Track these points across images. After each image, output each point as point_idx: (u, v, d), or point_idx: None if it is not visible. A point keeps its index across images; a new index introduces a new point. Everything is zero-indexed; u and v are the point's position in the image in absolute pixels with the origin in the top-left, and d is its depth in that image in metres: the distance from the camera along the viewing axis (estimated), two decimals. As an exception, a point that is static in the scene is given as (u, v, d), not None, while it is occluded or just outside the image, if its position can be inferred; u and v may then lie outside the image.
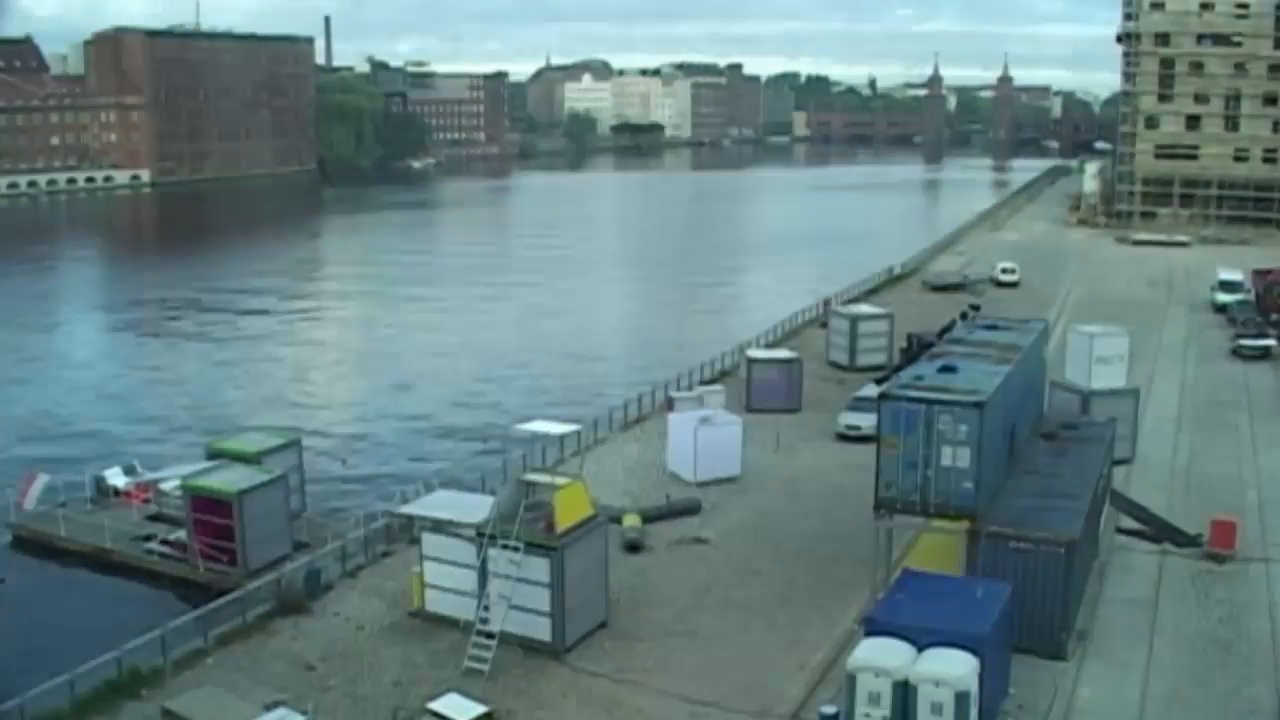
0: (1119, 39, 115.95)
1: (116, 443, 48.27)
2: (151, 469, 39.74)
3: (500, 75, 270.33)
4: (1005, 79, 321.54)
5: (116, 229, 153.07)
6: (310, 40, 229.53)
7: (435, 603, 28.97)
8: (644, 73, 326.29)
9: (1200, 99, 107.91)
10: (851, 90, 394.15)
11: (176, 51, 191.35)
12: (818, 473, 40.11)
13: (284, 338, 75.12)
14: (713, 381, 50.85)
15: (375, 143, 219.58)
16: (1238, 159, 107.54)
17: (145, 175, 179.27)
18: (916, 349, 47.62)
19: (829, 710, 23.24)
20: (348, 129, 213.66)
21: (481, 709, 24.66)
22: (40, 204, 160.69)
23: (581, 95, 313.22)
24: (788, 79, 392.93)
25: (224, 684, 26.14)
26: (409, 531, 33.54)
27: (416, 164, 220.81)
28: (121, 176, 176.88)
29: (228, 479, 34.07)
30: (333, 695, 25.59)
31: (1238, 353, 57.98)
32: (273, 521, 33.89)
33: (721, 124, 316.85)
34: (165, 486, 37.48)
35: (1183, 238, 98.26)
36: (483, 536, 27.67)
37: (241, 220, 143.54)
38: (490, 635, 26.62)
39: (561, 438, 37.49)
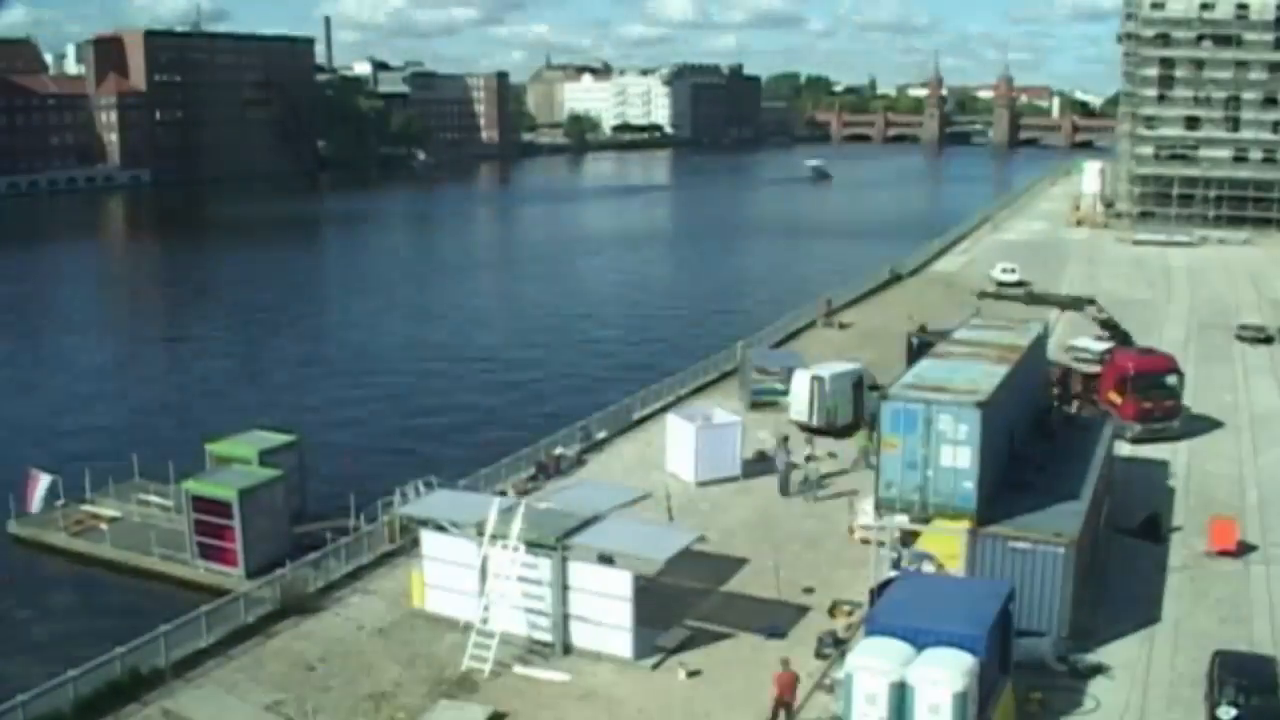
0: (1119, 39, 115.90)
1: (116, 442, 48.23)
2: (153, 468, 39.79)
3: (501, 75, 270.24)
4: (1005, 79, 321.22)
5: (116, 229, 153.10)
6: (310, 40, 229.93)
7: (436, 602, 29.00)
8: (644, 73, 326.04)
9: (1200, 99, 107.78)
10: (851, 90, 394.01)
11: (176, 51, 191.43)
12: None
13: (285, 334, 75.16)
14: (713, 382, 50.97)
15: (376, 142, 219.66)
16: (1238, 159, 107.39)
17: (145, 175, 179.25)
18: (917, 349, 47.74)
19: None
20: (348, 128, 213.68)
21: (483, 709, 24.69)
22: (40, 204, 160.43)
23: (582, 95, 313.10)
24: (788, 79, 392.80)
25: (224, 684, 26.18)
26: (410, 531, 33.60)
27: (417, 164, 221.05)
28: (122, 176, 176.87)
29: (227, 479, 34.11)
30: (333, 695, 25.60)
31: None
32: (273, 522, 33.92)
33: (721, 124, 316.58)
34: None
35: (1183, 238, 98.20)
36: (483, 536, 27.72)
37: (241, 219, 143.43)
38: (491, 635, 26.65)
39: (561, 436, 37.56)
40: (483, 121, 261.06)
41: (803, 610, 29.36)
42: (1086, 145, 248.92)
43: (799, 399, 44.80)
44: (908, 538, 28.38)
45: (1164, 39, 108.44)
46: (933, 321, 56.56)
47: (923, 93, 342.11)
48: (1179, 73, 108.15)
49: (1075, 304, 58.19)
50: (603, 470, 40.34)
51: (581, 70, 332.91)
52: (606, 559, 27.25)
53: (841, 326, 64.94)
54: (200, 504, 33.52)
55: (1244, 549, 32.76)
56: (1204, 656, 25.76)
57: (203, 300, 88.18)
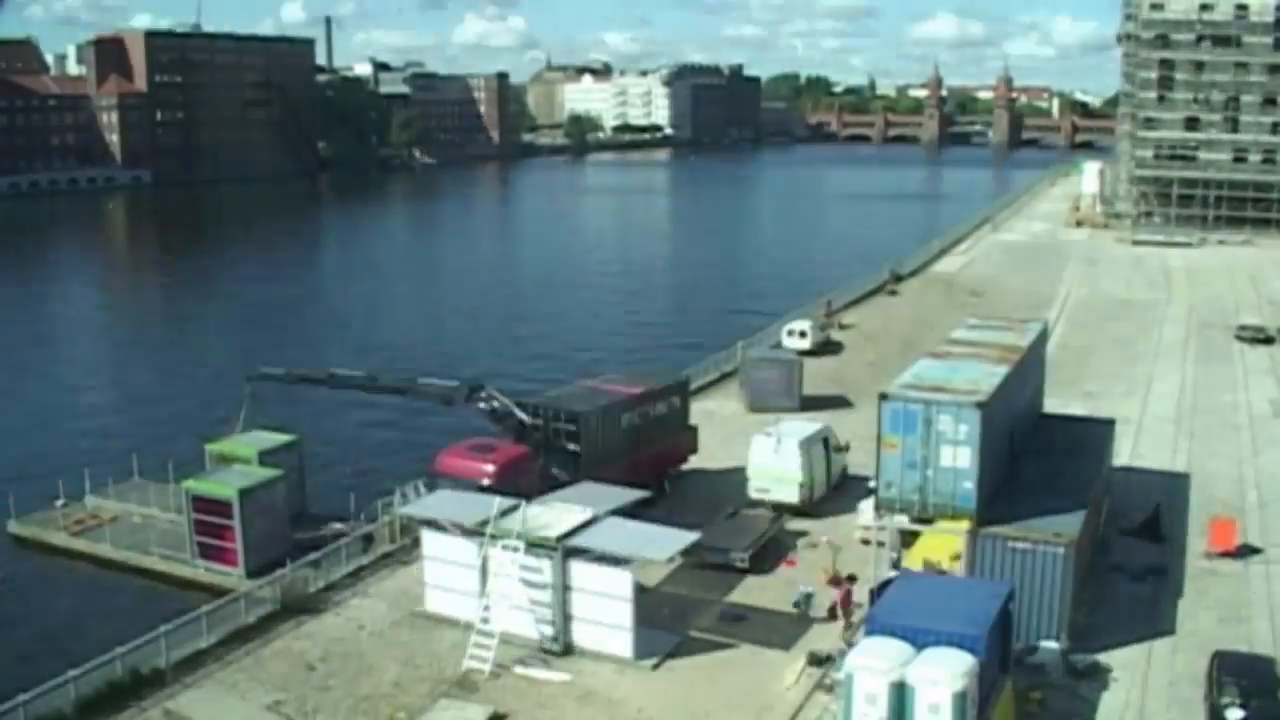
0: (1119, 39, 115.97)
1: (116, 442, 48.22)
2: (153, 468, 39.78)
3: (501, 76, 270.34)
4: (1005, 79, 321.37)
5: (116, 229, 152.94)
6: (310, 41, 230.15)
7: (436, 603, 29.00)
8: (644, 73, 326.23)
9: (1200, 99, 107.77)
10: (851, 90, 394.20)
11: (176, 52, 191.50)
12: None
13: (284, 333, 75.12)
14: (714, 382, 50.97)
15: (376, 143, 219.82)
16: (1238, 159, 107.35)
17: (146, 175, 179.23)
18: None
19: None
20: (349, 129, 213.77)
21: (483, 709, 24.69)
22: (41, 204, 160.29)
23: (582, 96, 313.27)
24: (788, 79, 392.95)
25: (224, 684, 26.18)
26: (410, 531, 33.61)
27: (417, 164, 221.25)
28: (122, 176, 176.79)
29: (228, 479, 34.11)
30: (333, 695, 25.60)
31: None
32: (273, 522, 33.91)
33: (721, 124, 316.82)
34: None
35: (1183, 238, 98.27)
36: (483, 536, 27.72)
37: (241, 220, 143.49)
38: (491, 635, 26.65)
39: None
40: (483, 122, 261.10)
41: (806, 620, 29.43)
42: (1087, 145, 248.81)
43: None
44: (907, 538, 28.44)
45: (1164, 40, 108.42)
46: (935, 323, 56.60)
47: (923, 93, 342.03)
48: (1179, 74, 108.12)
49: None
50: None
51: (582, 71, 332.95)
52: (608, 559, 27.20)
53: (842, 327, 64.85)
54: (200, 504, 33.53)
55: (1245, 551, 32.73)
56: (1204, 657, 25.78)
57: (203, 299, 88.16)
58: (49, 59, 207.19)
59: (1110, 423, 37.21)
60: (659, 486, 35.97)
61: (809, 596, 29.31)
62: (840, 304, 69.69)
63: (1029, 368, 34.69)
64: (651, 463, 36.23)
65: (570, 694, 25.72)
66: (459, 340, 72.59)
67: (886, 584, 26.37)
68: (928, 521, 28.36)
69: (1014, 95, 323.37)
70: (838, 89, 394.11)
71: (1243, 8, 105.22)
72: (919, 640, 22.07)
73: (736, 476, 38.24)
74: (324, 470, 41.05)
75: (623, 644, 26.83)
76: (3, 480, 40.93)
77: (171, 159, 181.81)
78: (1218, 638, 27.54)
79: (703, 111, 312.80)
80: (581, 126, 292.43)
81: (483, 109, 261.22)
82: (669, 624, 28.50)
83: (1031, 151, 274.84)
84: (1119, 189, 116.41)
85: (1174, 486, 38.01)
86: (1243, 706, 23.21)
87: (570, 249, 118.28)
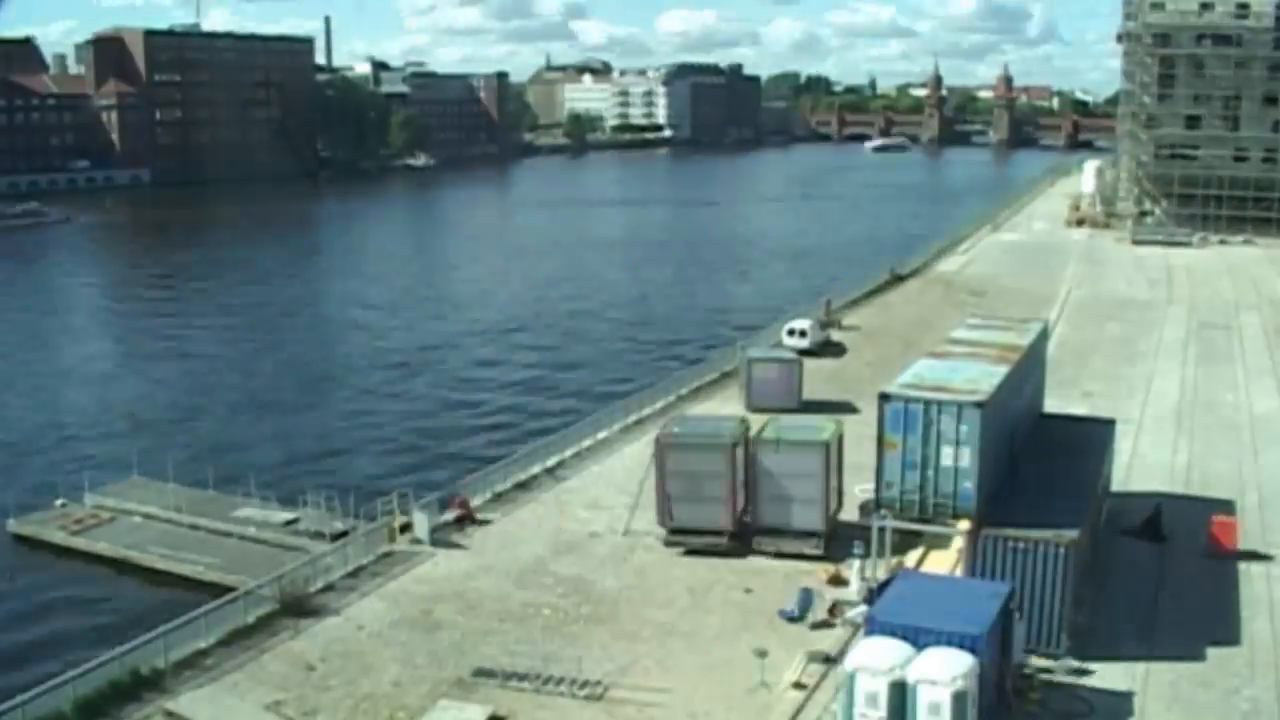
0: (1119, 38, 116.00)
1: (116, 441, 48.24)
2: (153, 467, 39.76)
3: (501, 75, 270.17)
4: (1005, 79, 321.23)
5: (116, 228, 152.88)
6: (309, 40, 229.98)
7: None
8: (643, 72, 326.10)
9: (1200, 99, 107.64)
10: (851, 90, 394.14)
11: (176, 51, 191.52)
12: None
13: (283, 334, 75.19)
14: (714, 382, 51.07)
15: (376, 142, 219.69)
16: (1238, 159, 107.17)
17: (145, 175, 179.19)
18: None
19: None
20: (348, 129, 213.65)
21: (483, 709, 24.67)
22: (40, 204, 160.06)
23: (582, 95, 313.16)
24: (788, 79, 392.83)
25: (224, 684, 26.17)
26: (409, 531, 33.62)
27: (417, 164, 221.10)
28: (122, 176, 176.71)
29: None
30: (333, 695, 25.59)
31: None
32: None
33: (721, 124, 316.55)
34: None
35: (1184, 237, 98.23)
36: None
37: (240, 220, 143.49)
38: None
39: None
40: (483, 121, 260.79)
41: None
42: (1087, 145, 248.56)
43: None
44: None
45: (1164, 39, 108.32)
46: (934, 321, 56.52)
47: (923, 93, 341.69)
48: (1179, 73, 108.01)
49: None
50: (604, 471, 40.27)
51: (582, 70, 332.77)
52: None
53: (842, 327, 64.71)
54: None
55: (1247, 555, 32.63)
56: (1203, 657, 25.68)
57: (201, 299, 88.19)
58: (49, 58, 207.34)
59: (1110, 423, 37.15)
60: None
61: (809, 594, 29.28)
62: (840, 304, 69.51)
63: (1029, 367, 34.65)
64: None
65: (571, 694, 25.64)
66: (457, 339, 72.65)
67: (886, 583, 26.34)
68: (928, 521, 28.35)
69: (1014, 95, 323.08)
70: (838, 88, 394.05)
71: (1243, 7, 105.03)
72: (919, 640, 22.08)
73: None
74: (327, 468, 41.05)
75: None
76: (3, 479, 41.01)
77: (170, 158, 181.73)
78: (1219, 637, 27.54)
79: (702, 111, 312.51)
80: (581, 126, 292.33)
81: (482, 108, 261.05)
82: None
83: (1032, 151, 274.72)
84: (1119, 188, 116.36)
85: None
86: None
87: (569, 251, 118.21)
